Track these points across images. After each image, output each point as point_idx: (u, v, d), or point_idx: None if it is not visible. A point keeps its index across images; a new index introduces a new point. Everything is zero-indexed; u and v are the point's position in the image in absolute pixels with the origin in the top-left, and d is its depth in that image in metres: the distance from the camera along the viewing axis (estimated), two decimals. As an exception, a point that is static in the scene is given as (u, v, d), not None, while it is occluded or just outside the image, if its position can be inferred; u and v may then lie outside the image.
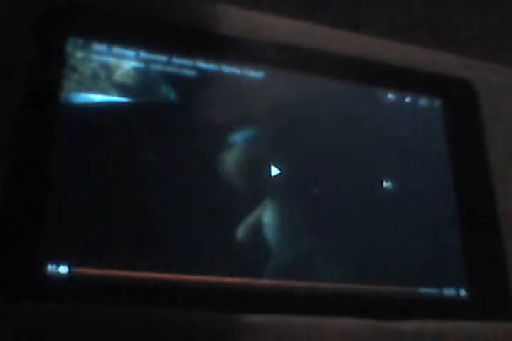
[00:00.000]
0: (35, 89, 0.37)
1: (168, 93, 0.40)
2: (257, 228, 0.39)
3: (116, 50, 0.40)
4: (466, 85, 0.49)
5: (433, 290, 0.42)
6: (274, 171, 0.41)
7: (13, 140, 0.35)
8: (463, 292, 0.42)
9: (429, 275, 0.42)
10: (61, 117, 0.37)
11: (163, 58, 0.41)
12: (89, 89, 0.39)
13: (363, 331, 0.38)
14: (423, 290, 0.42)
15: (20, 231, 0.34)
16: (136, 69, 0.40)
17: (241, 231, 0.39)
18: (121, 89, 0.39)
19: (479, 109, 0.48)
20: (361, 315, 0.38)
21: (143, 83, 0.40)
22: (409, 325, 0.39)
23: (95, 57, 0.39)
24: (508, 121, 0.49)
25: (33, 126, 0.36)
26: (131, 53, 0.40)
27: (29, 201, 0.35)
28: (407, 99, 0.47)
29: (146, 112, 0.39)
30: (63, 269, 0.34)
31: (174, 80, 0.41)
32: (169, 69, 0.41)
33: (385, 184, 0.43)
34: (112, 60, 0.40)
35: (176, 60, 0.41)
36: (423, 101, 0.47)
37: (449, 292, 0.42)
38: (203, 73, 0.42)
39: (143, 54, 0.41)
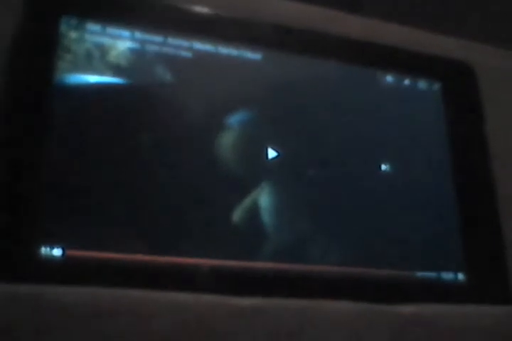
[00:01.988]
0: (28, 68, 0.36)
1: (164, 74, 0.40)
2: (254, 211, 0.39)
3: (111, 30, 0.39)
4: (466, 68, 0.48)
5: (431, 274, 0.42)
6: (271, 154, 0.40)
7: (5, 122, 0.35)
8: (461, 276, 0.42)
9: (427, 259, 0.42)
10: (54, 98, 0.36)
11: (159, 39, 0.40)
12: (84, 70, 0.38)
13: (360, 314, 0.38)
14: (421, 273, 0.41)
15: (13, 214, 0.34)
16: (131, 49, 0.39)
17: (237, 214, 0.38)
18: (116, 69, 0.39)
19: (479, 92, 0.48)
20: (358, 299, 0.38)
21: (138, 64, 0.39)
22: (407, 309, 0.39)
23: (89, 38, 0.39)
24: (507, 104, 0.49)
25: (25, 107, 0.35)
26: (126, 33, 0.40)
27: (23, 185, 0.34)
28: (406, 82, 0.46)
29: (141, 93, 0.39)
30: (57, 252, 0.34)
31: (170, 61, 0.40)
32: (165, 49, 0.40)
33: (383, 167, 0.43)
34: (106, 40, 0.39)
35: (171, 41, 0.41)
36: (422, 84, 0.47)
37: (447, 276, 0.42)
38: (199, 54, 0.41)
39: (138, 34, 0.40)
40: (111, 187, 0.36)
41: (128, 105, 0.38)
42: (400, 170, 0.43)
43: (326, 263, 0.39)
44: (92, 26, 0.39)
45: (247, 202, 0.39)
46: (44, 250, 0.34)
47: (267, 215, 0.39)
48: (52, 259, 0.34)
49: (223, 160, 0.39)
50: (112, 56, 0.39)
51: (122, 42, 0.39)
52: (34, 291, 0.32)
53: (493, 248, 0.44)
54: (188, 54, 0.41)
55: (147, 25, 0.40)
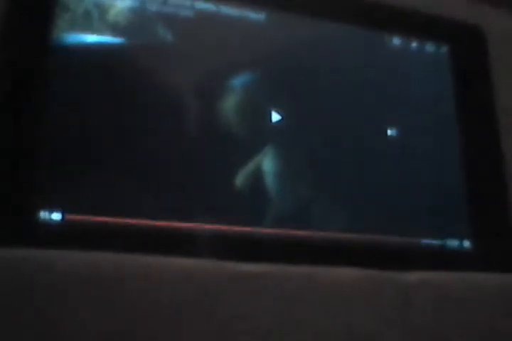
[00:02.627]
0: (26, 27, 0.35)
1: (164, 33, 0.38)
2: (257, 175, 0.38)
3: (110, -12, 0.38)
4: (475, 30, 0.47)
5: (436, 241, 0.41)
6: (275, 117, 0.39)
7: (2, 81, 0.34)
8: (467, 243, 0.42)
9: (432, 227, 0.41)
10: (52, 57, 0.35)
11: (160, -3, 0.39)
12: (82, 29, 0.37)
13: (365, 281, 0.37)
14: (426, 241, 0.41)
15: (12, 177, 0.33)
16: (131, 8, 0.38)
17: (240, 179, 0.37)
18: (116, 29, 0.37)
19: (488, 55, 0.46)
20: (362, 265, 0.38)
21: (138, 23, 0.38)
22: (413, 276, 0.38)
23: (88, -4, 0.37)
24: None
25: (23, 66, 0.35)
26: (125, -9, 0.38)
27: (21, 147, 0.34)
28: (414, 44, 0.45)
29: (141, 53, 0.38)
30: (56, 216, 0.33)
31: (170, 20, 0.39)
32: (165, 9, 0.39)
33: (389, 132, 0.42)
34: (105, -1, 0.38)
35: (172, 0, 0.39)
36: (430, 47, 0.46)
37: (453, 243, 0.41)
38: (200, 14, 0.40)
39: (138, -8, 0.39)
40: (111, 150, 0.35)
41: (127, 65, 0.37)
42: (407, 135, 0.42)
43: (330, 230, 0.39)
44: (91, -17, 0.38)
45: (250, 166, 0.38)
46: (43, 214, 0.33)
47: (270, 180, 0.38)
48: (52, 223, 0.33)
49: (226, 123, 0.38)
50: (111, 15, 0.38)
51: (122, 0, 0.38)
52: (33, 256, 0.31)
53: (499, 215, 0.43)
54: (189, 13, 0.39)
55: (147, -17, 0.39)
